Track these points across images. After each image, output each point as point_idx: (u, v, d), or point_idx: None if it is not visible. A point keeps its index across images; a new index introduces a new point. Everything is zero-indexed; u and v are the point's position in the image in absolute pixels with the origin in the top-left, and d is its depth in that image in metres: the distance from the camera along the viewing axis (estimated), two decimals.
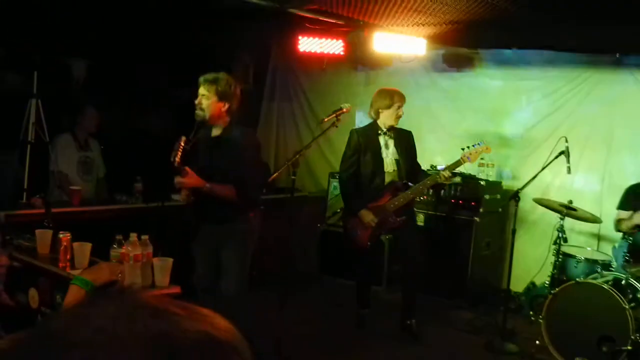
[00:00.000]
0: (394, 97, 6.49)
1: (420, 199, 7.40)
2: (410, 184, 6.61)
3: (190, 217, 5.42)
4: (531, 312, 7.20)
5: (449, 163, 6.56)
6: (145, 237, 4.15)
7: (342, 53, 7.96)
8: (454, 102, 8.86)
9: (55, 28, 7.23)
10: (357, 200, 6.56)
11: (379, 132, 6.58)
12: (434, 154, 8.40)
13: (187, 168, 5.01)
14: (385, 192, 6.54)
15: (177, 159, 4.88)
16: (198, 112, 5.15)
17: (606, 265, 6.60)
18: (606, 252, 7.21)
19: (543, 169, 6.57)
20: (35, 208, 6.06)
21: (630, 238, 6.36)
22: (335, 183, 8.71)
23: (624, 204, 6.86)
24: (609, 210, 7.25)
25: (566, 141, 6.53)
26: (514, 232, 6.63)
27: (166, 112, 8.42)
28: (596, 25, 6.41)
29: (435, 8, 5.98)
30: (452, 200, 7.97)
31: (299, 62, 9.38)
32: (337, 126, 5.44)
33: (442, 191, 7.92)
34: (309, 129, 9.45)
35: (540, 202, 7.01)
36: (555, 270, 6.71)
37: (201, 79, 5.13)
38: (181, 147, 4.90)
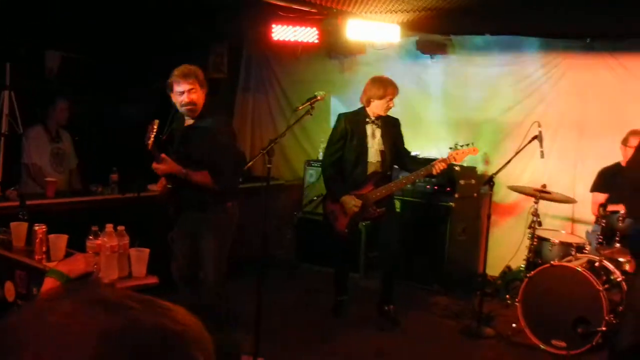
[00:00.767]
0: (387, 89, 6.48)
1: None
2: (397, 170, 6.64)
3: (167, 207, 5.41)
4: (507, 296, 7.28)
5: (425, 154, 6.59)
6: (121, 227, 4.14)
7: (316, 41, 7.94)
8: (427, 88, 8.88)
9: (29, 19, 7.18)
10: (339, 185, 6.57)
11: (367, 120, 6.57)
12: (407, 141, 8.40)
13: (164, 156, 5.00)
14: (367, 182, 6.55)
15: (150, 142, 4.86)
16: (190, 108, 5.12)
17: (580, 248, 6.68)
18: (580, 235, 7.29)
19: (516, 154, 6.62)
20: (9, 200, 6.03)
21: (604, 221, 6.43)
22: (311, 171, 8.72)
23: (598, 187, 6.95)
24: (582, 193, 7.32)
25: (539, 126, 6.58)
26: (489, 217, 6.68)
27: (140, 102, 8.38)
28: (567, 10, 6.45)
29: None
30: (428, 187, 8.01)
31: (273, 51, 9.35)
32: (311, 114, 5.43)
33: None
34: (284, 118, 9.44)
35: (514, 188, 7.06)
36: (530, 254, 6.78)
37: (178, 77, 5.05)
38: (154, 130, 4.88)
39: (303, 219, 8.74)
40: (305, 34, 7.84)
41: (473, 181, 8.13)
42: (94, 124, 8.47)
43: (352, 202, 6.46)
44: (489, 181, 6.58)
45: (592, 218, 7.10)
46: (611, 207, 6.44)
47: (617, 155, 6.90)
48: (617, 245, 6.31)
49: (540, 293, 6.22)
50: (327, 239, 7.04)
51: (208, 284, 5.22)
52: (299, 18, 7.62)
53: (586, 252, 6.63)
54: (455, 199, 7.84)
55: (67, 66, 8.27)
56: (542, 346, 6.13)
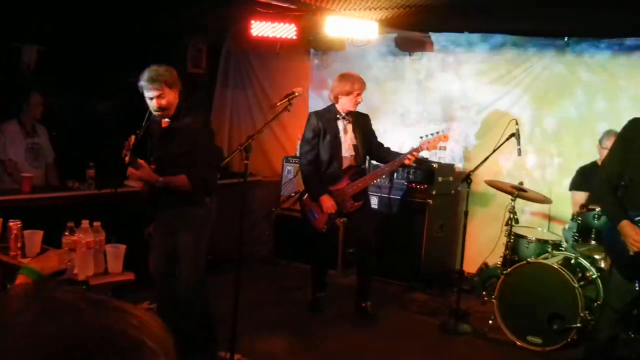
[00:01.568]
0: (354, 84, 6.50)
1: (375, 182, 7.44)
2: (374, 165, 6.66)
3: (145, 202, 5.37)
4: (484, 293, 7.30)
5: (403, 148, 6.60)
6: (97, 223, 4.12)
7: (295, 37, 7.93)
8: (406, 85, 8.90)
9: (5, 13, 7.10)
10: (318, 184, 6.59)
11: (338, 116, 6.60)
12: (387, 137, 8.42)
13: (141, 161, 4.96)
14: (343, 176, 6.58)
15: (127, 159, 4.81)
16: (160, 113, 5.04)
17: (556, 245, 6.73)
18: (557, 232, 7.34)
19: (494, 151, 6.64)
20: None
21: (579, 219, 6.48)
22: (289, 167, 8.71)
23: (577, 185, 7.00)
24: (559, 191, 7.38)
25: (516, 124, 6.61)
26: (466, 214, 6.70)
27: (118, 97, 8.32)
28: (545, 9, 6.49)
29: None
30: (405, 183, 8.02)
31: (252, 47, 9.32)
32: (289, 110, 5.41)
33: (396, 174, 7.98)
34: (262, 114, 9.41)
35: (491, 184, 7.09)
36: (507, 251, 6.81)
37: (146, 82, 4.94)
38: (130, 146, 4.82)
39: (281, 215, 8.73)
40: (284, 30, 7.82)
41: (451, 178, 8.15)
42: (70, 119, 8.40)
43: (329, 202, 6.47)
44: (467, 178, 6.61)
45: (569, 215, 7.14)
46: (593, 206, 6.50)
47: (594, 153, 6.95)
48: (593, 242, 6.38)
49: (516, 290, 6.26)
50: (305, 235, 7.05)
51: (186, 279, 5.19)
52: (278, 14, 7.61)
53: (562, 249, 6.68)
54: (433, 195, 7.86)
55: (43, 60, 8.20)
56: (518, 342, 6.17)
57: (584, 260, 6.30)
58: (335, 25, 7.35)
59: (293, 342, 6.12)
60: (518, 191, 6.73)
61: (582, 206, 6.73)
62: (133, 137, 4.86)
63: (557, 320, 5.99)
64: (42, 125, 7.37)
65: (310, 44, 8.83)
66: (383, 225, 7.75)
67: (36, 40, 8.05)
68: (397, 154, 6.64)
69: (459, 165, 8.45)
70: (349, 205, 6.55)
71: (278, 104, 5.43)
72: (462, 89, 8.50)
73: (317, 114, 6.72)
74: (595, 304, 6.08)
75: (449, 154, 8.41)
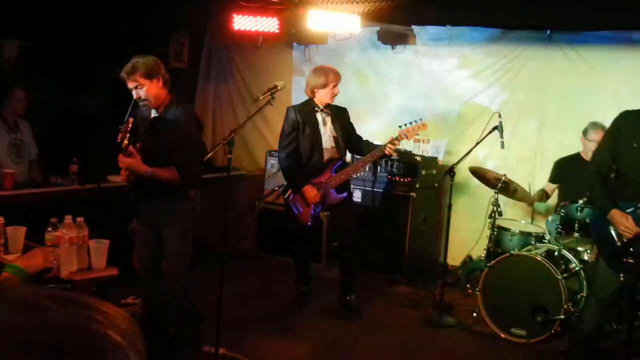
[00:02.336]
0: (328, 76, 6.50)
1: (357, 174, 7.44)
2: (355, 158, 6.68)
3: (130, 195, 5.33)
4: (468, 285, 7.35)
5: (385, 141, 6.60)
6: (80, 219, 4.09)
7: (277, 31, 7.91)
8: (389, 78, 8.91)
9: None
10: (299, 177, 6.58)
11: (316, 109, 6.59)
12: (370, 131, 8.43)
13: (133, 150, 4.92)
14: (325, 169, 6.57)
15: (126, 141, 4.80)
16: (142, 103, 5.04)
17: (540, 238, 6.76)
18: (540, 225, 7.37)
19: (477, 144, 6.65)
20: None
21: (562, 211, 6.51)
22: (272, 161, 8.69)
23: (551, 177, 7.07)
24: (542, 184, 7.41)
25: (499, 116, 6.62)
26: (449, 206, 6.71)
27: (100, 92, 8.29)
28: (527, 2, 6.50)
29: None
30: (389, 177, 8.03)
31: (234, 41, 9.31)
32: (272, 104, 5.40)
33: (379, 167, 7.98)
34: (245, 107, 9.41)
35: (475, 170, 7.08)
36: (490, 244, 6.83)
37: (123, 74, 4.95)
38: (128, 129, 4.81)
39: (264, 209, 8.71)
40: (266, 24, 7.81)
41: (434, 171, 8.17)
42: (53, 114, 8.35)
43: (312, 192, 6.47)
44: (450, 171, 6.61)
45: (552, 208, 7.19)
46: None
47: (576, 145, 6.98)
48: (576, 234, 6.40)
49: (500, 282, 6.28)
50: (289, 229, 7.04)
51: (172, 274, 5.17)
52: (260, 8, 7.59)
53: (545, 241, 6.70)
54: (416, 189, 7.87)
55: (25, 55, 8.15)
56: (502, 335, 6.19)
57: (567, 253, 6.32)
58: (317, 19, 7.35)
59: (276, 336, 6.10)
60: (501, 183, 6.74)
61: (544, 196, 6.86)
62: (131, 120, 4.84)
63: (541, 312, 6.01)
64: (25, 120, 7.31)
65: (292, 38, 8.81)
66: (366, 218, 7.76)
67: (17, 35, 7.99)
68: (376, 146, 6.65)
69: (442, 159, 8.45)
70: (332, 197, 6.55)
71: (261, 97, 5.41)
72: (444, 82, 8.51)
73: (295, 107, 6.71)
74: (579, 295, 6.11)
75: (432, 147, 8.42)
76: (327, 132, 6.61)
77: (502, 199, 7.09)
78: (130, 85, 4.97)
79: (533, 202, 7.32)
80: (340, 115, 6.73)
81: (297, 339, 6.10)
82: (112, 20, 8.05)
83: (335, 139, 6.63)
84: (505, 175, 6.81)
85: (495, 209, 6.79)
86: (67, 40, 8.00)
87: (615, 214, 4.57)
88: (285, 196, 6.77)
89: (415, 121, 6.52)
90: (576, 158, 6.93)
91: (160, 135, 5.07)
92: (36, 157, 7.38)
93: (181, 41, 9.37)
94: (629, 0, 6.05)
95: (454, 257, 7.86)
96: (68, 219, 4.05)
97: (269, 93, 5.34)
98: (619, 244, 4.59)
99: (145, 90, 4.98)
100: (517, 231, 6.84)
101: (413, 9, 7.38)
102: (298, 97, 8.71)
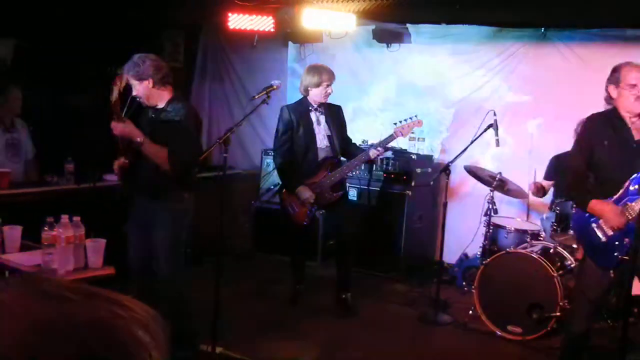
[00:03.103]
0: (322, 76, 6.50)
1: (352, 173, 7.45)
2: (343, 159, 6.70)
3: (123, 191, 5.32)
4: (464, 283, 7.36)
5: (381, 138, 6.62)
6: (77, 218, 4.09)
7: (272, 30, 7.92)
8: (384, 77, 8.92)
9: None
10: (293, 177, 6.58)
11: (310, 108, 6.59)
12: (365, 129, 8.44)
13: (126, 119, 4.96)
14: (320, 168, 6.58)
15: (115, 98, 4.83)
16: (139, 101, 5.12)
17: (535, 235, 6.77)
18: (535, 222, 7.38)
19: (472, 142, 6.66)
20: None
21: (558, 208, 6.53)
22: (268, 160, 8.70)
23: (547, 174, 7.09)
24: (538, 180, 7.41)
25: (494, 114, 6.63)
26: (445, 204, 6.72)
27: (96, 91, 8.26)
28: (523, 0, 6.52)
29: None
30: (384, 175, 8.04)
31: (230, 40, 9.30)
32: (267, 103, 5.42)
33: (375, 166, 7.99)
34: (240, 107, 9.39)
35: (470, 170, 7.10)
36: (486, 241, 6.85)
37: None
38: (119, 85, 4.85)
39: (260, 208, 8.72)
40: (261, 23, 7.82)
41: (429, 169, 8.18)
42: (49, 114, 8.33)
43: (307, 193, 6.48)
44: (445, 169, 6.63)
45: (547, 205, 7.20)
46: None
47: (571, 143, 6.99)
48: (571, 232, 6.40)
49: (496, 280, 6.30)
50: (284, 228, 7.05)
51: (164, 275, 5.17)
52: (255, 7, 7.59)
53: (541, 239, 6.73)
54: (412, 187, 7.88)
55: (21, 55, 8.13)
56: (498, 332, 6.21)
57: (562, 250, 6.35)
58: (312, 18, 7.36)
59: (272, 334, 6.11)
60: (496, 181, 6.76)
61: (540, 190, 6.88)
62: (120, 75, 4.89)
63: (537, 310, 6.03)
64: (22, 120, 7.30)
65: (287, 37, 8.82)
66: (362, 216, 7.78)
67: (13, 34, 7.97)
68: (361, 150, 6.70)
69: (437, 157, 8.47)
70: (328, 197, 6.56)
71: (256, 97, 5.43)
72: (440, 81, 8.51)
73: (289, 107, 6.72)
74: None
75: (427, 145, 8.44)
76: (321, 131, 6.61)
77: (498, 196, 7.10)
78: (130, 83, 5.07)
79: (531, 192, 7.28)
80: (334, 114, 6.73)
81: (293, 337, 6.11)
82: (108, 20, 8.04)
83: (329, 137, 6.63)
84: (500, 173, 6.82)
85: (490, 206, 6.81)
86: (62, 39, 7.98)
87: (595, 203, 4.59)
88: (281, 196, 6.77)
89: (410, 118, 6.54)
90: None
91: (159, 129, 5.07)
92: (33, 157, 7.37)
93: (176, 41, 9.36)
94: None
95: (450, 255, 7.87)
96: (65, 218, 4.05)
97: (265, 92, 5.36)
98: (603, 239, 4.61)
99: (136, 89, 5.05)
100: (512, 229, 6.86)
101: (408, 7, 7.40)
102: (293, 96, 8.72)
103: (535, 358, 5.90)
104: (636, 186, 4.50)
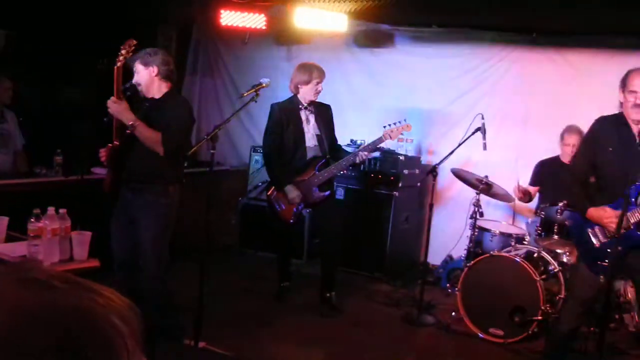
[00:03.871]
0: (312, 73, 6.53)
1: (340, 173, 7.47)
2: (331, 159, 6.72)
3: (105, 186, 5.31)
4: (448, 285, 7.39)
5: (372, 139, 6.65)
6: (63, 210, 4.11)
7: (264, 27, 7.93)
8: (374, 77, 8.93)
9: None
10: (282, 175, 6.60)
11: (300, 106, 6.61)
12: (354, 129, 8.45)
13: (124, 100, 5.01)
14: (308, 167, 6.60)
15: (120, 62, 4.92)
16: (140, 89, 5.22)
17: (520, 239, 6.81)
18: (521, 226, 7.42)
19: (459, 145, 6.70)
20: None
21: (543, 213, 6.57)
22: (257, 157, 8.71)
23: (532, 179, 7.14)
24: (524, 187, 7.44)
25: (482, 118, 6.67)
26: (431, 206, 6.75)
27: (86, 84, 8.27)
28: (514, 4, 6.55)
29: None
30: (372, 175, 8.06)
31: (221, 36, 9.32)
32: (256, 101, 5.44)
33: (362, 166, 8.01)
34: (230, 103, 9.42)
35: (457, 173, 7.14)
36: (471, 244, 6.88)
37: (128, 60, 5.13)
38: (130, 50, 4.98)
39: (248, 205, 8.73)
40: (253, 20, 7.83)
41: (417, 171, 8.21)
42: (39, 105, 8.33)
43: (294, 192, 6.51)
44: (432, 171, 6.66)
45: (533, 210, 7.25)
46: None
47: (558, 149, 7.04)
48: (555, 237, 6.45)
49: (479, 282, 6.33)
50: (271, 225, 7.07)
51: (148, 270, 5.17)
52: (247, 4, 7.60)
53: (525, 243, 6.77)
54: (399, 188, 7.91)
55: (12, 45, 8.12)
56: (480, 334, 6.24)
57: (546, 254, 6.39)
58: (304, 17, 7.37)
59: (256, 331, 6.13)
60: (482, 185, 6.80)
61: (526, 195, 6.94)
62: (134, 41, 5.02)
63: (519, 313, 6.07)
64: (11, 111, 7.28)
65: (279, 35, 8.83)
66: (349, 216, 7.81)
67: (4, 25, 7.97)
68: (347, 153, 6.73)
69: (426, 159, 8.50)
70: (315, 196, 6.58)
71: (245, 94, 5.45)
72: (429, 83, 8.52)
73: (279, 105, 6.72)
74: (557, 297, 6.17)
75: (415, 147, 8.47)
76: (310, 130, 6.63)
77: (485, 199, 7.14)
78: (133, 70, 5.21)
79: (517, 197, 7.31)
80: (323, 113, 6.75)
81: (277, 334, 6.13)
82: (100, 13, 8.04)
83: (318, 137, 6.65)
84: (486, 176, 6.86)
85: (476, 209, 6.85)
86: (54, 32, 7.98)
87: (592, 211, 4.66)
88: (268, 193, 6.79)
89: (400, 122, 6.57)
90: (556, 161, 6.99)
91: (153, 117, 5.10)
92: (22, 148, 7.36)
93: (169, 36, 9.36)
94: (612, 4, 6.10)
95: (435, 257, 7.92)
96: (51, 210, 4.06)
97: (254, 90, 5.38)
98: (597, 245, 4.67)
99: (137, 76, 5.17)
100: (497, 232, 6.92)
101: (400, 9, 7.42)
102: (284, 95, 8.73)
103: None
104: (634, 197, 4.55)
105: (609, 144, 4.70)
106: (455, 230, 7.61)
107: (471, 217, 6.91)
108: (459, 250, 7.48)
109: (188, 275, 5.71)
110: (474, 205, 6.88)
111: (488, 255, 6.37)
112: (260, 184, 8.47)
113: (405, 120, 6.60)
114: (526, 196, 7.14)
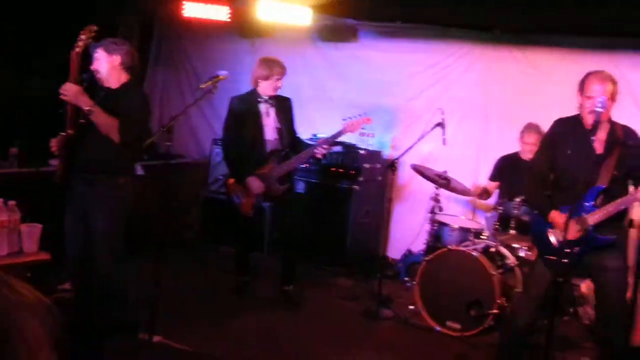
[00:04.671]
0: (273, 69, 6.51)
1: (301, 166, 7.47)
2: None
3: (55, 177, 5.26)
4: (406, 278, 7.43)
5: (332, 133, 6.65)
6: (12, 202, 4.07)
7: (228, 19, 7.89)
8: (337, 72, 8.93)
9: None
10: (242, 167, 6.58)
11: (259, 99, 6.59)
12: (316, 123, 8.46)
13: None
14: (268, 160, 6.59)
15: (79, 49, 4.89)
16: (99, 76, 5.20)
17: (478, 234, 6.87)
18: (480, 221, 7.48)
19: (419, 139, 6.74)
20: None
21: (501, 208, 6.62)
22: (218, 149, 8.67)
23: (492, 175, 7.19)
24: (484, 181, 7.50)
25: (442, 113, 6.71)
26: (390, 200, 6.79)
27: (46, 75, 8.17)
28: (477, 3, 6.59)
29: None
30: (333, 169, 8.07)
31: (185, 28, 9.26)
32: (214, 93, 5.41)
33: (323, 160, 8.01)
34: (193, 96, 9.36)
35: (416, 168, 7.16)
36: (430, 238, 6.93)
37: (90, 46, 5.10)
38: (90, 36, 4.94)
39: (209, 198, 8.70)
40: (216, 12, 7.78)
41: (377, 165, 8.23)
42: None
43: (256, 183, 6.49)
44: (391, 165, 6.69)
45: (492, 205, 7.30)
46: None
47: (518, 145, 7.09)
48: (512, 231, 6.51)
49: (437, 276, 6.38)
50: (233, 219, 7.04)
51: (101, 264, 5.12)
52: None
53: (484, 237, 6.82)
54: (360, 182, 7.93)
55: None
56: (437, 328, 6.30)
57: (503, 249, 6.45)
58: (268, 10, 7.35)
59: (215, 325, 6.12)
60: (442, 179, 6.84)
61: (484, 193, 7.00)
62: (95, 27, 4.97)
63: (475, 306, 6.13)
64: None
65: (242, 27, 8.80)
66: (309, 210, 7.82)
67: None
68: (307, 145, 6.72)
69: (387, 153, 8.52)
70: (275, 189, 6.57)
71: (202, 86, 5.43)
72: (391, 78, 8.54)
73: (239, 98, 6.69)
74: (513, 291, 6.24)
75: (376, 142, 8.49)
76: (270, 124, 6.61)
77: (447, 194, 7.18)
78: (94, 56, 5.18)
79: (474, 196, 7.38)
80: (284, 106, 6.74)
81: (235, 329, 6.12)
82: (58, 2, 7.94)
83: (279, 130, 6.63)
84: (445, 171, 6.91)
85: (435, 204, 6.89)
86: (10, 21, 7.88)
87: (555, 216, 4.72)
88: (227, 185, 6.77)
89: (360, 115, 6.58)
90: (515, 157, 7.03)
91: (109, 107, 5.04)
92: None
93: (131, 26, 9.29)
94: (574, 4, 6.16)
95: (395, 251, 7.96)
96: None
97: (211, 82, 5.36)
98: (555, 244, 4.73)
99: (97, 63, 5.16)
100: (456, 226, 6.96)
101: (364, 4, 7.43)
102: (247, 87, 8.72)
103: (474, 354, 6.00)
104: (591, 201, 4.60)
105: (567, 147, 4.75)
106: (415, 224, 7.66)
107: (431, 212, 6.95)
108: (419, 245, 7.52)
109: (146, 269, 5.68)
110: (433, 200, 6.92)
111: (446, 249, 6.43)
112: (221, 176, 8.43)
113: (365, 113, 6.61)
114: (484, 194, 7.19)
